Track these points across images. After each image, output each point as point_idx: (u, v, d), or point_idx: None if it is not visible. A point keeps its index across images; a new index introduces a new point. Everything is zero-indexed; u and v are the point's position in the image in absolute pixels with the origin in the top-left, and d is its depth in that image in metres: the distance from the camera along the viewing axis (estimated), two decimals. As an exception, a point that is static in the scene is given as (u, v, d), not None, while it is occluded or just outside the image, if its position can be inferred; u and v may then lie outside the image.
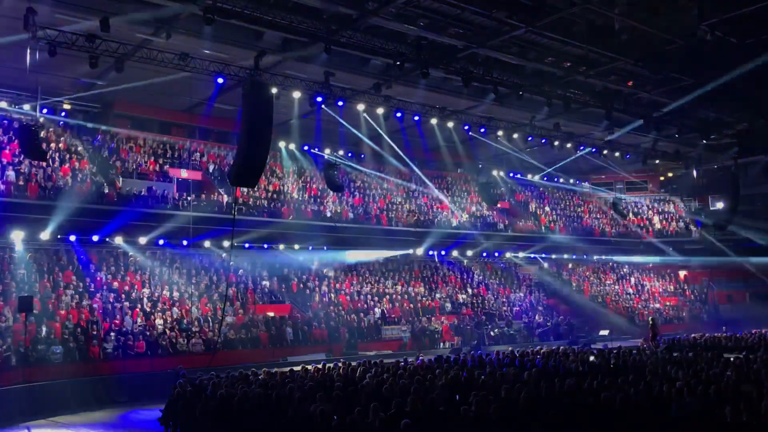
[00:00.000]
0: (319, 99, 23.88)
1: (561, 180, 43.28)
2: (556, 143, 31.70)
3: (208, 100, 25.65)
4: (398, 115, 26.74)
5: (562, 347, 21.54)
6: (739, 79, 24.75)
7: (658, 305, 39.51)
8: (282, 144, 30.97)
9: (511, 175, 40.82)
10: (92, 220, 22.73)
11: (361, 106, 25.49)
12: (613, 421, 9.50)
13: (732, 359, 15.91)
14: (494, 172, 39.57)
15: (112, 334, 20.63)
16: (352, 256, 30.81)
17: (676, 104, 27.64)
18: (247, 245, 27.56)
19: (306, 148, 32.24)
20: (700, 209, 42.25)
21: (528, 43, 23.01)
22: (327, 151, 32.48)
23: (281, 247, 28.81)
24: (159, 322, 22.11)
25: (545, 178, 42.48)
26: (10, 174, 21.92)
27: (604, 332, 31.27)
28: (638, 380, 12.03)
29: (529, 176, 41.38)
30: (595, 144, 33.44)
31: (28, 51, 18.73)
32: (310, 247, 30.02)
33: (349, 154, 34.11)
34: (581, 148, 33.55)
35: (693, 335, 26.51)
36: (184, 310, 23.37)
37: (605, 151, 34.09)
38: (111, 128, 27.01)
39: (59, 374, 18.17)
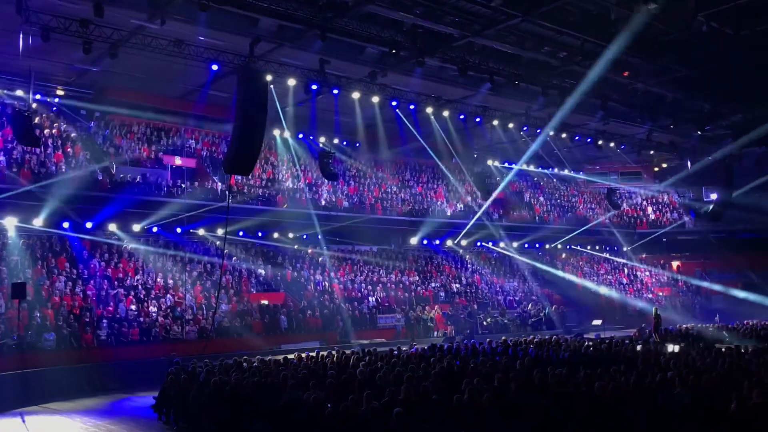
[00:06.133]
0: (314, 87, 23.78)
1: (556, 170, 43.26)
2: (551, 134, 31.66)
3: (203, 87, 25.46)
4: (393, 103, 26.67)
5: (554, 336, 21.65)
6: (734, 70, 24.79)
7: (650, 295, 39.68)
8: (276, 132, 30.84)
9: (507, 164, 40.72)
10: (86, 206, 22.77)
11: (356, 95, 25.36)
12: (604, 410, 9.56)
13: (723, 350, 16.03)
14: (489, 162, 39.51)
15: (106, 321, 20.60)
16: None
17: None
18: (241, 233, 27.60)
19: (301, 136, 32.11)
20: (694, 200, 42.37)
21: (524, 32, 22.92)
22: (322, 139, 32.36)
23: (275, 235, 28.83)
24: (153, 309, 22.09)
25: (540, 168, 42.50)
26: (2, 160, 21.79)
27: (597, 322, 31.41)
28: (630, 370, 12.11)
29: (524, 166, 41.26)
30: (590, 134, 33.43)
31: (21, 36, 18.59)
32: (305, 236, 30.10)
33: (344, 143, 34.01)
34: (576, 138, 33.55)
35: (685, 325, 26.68)
36: (177, 298, 23.36)
37: (600, 141, 34.07)
38: (105, 114, 26.85)
39: (52, 361, 18.07)
